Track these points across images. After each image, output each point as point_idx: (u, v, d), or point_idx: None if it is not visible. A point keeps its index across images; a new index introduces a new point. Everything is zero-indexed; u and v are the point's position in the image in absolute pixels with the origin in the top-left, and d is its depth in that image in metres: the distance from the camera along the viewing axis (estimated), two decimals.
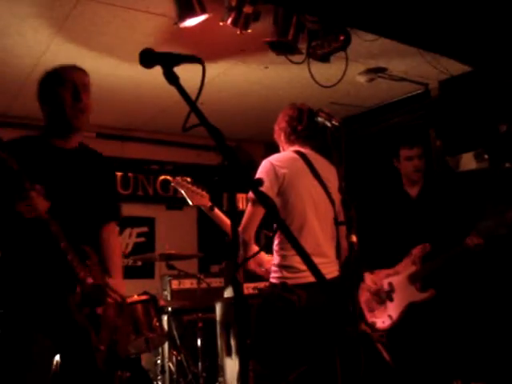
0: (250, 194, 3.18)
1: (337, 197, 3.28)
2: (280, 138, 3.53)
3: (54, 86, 2.75)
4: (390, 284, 4.12)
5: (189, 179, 3.63)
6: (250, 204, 3.21)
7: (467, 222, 3.98)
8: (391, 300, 4.09)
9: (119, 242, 3.10)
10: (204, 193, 3.59)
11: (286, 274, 3.18)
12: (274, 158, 3.32)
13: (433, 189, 4.24)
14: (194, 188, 3.59)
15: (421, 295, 3.99)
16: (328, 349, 3.10)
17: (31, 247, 2.56)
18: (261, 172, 3.26)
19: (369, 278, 4.18)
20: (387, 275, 4.16)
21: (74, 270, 2.53)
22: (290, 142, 3.46)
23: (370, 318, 4.14)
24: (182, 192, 3.59)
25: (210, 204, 3.55)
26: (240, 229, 3.20)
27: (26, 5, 3.71)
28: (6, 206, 2.44)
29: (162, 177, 7.11)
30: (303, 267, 3.03)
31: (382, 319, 4.09)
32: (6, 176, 2.39)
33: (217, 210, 3.56)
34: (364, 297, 4.20)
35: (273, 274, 3.25)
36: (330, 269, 3.22)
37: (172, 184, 3.68)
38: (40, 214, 2.42)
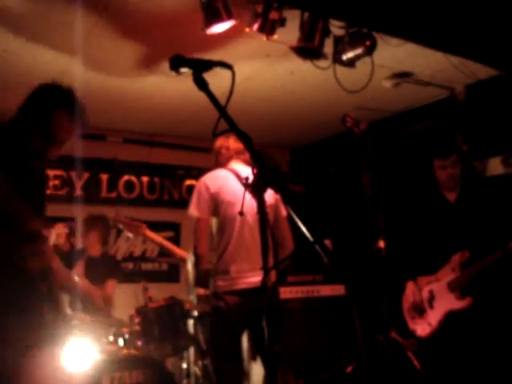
0: (190, 213, 3.61)
1: (271, 209, 3.59)
2: (221, 159, 3.86)
3: (36, 112, 2.43)
4: (431, 291, 4.08)
5: (124, 215, 4.08)
6: (196, 222, 3.60)
7: (506, 228, 3.91)
8: (431, 307, 4.05)
9: None
10: (139, 223, 4.12)
11: (221, 282, 3.56)
12: (206, 177, 3.70)
13: (472, 193, 4.16)
14: (131, 222, 4.10)
15: (459, 303, 3.90)
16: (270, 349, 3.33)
17: None
18: (195, 191, 3.64)
19: (410, 287, 4.18)
20: (428, 282, 4.12)
21: None
22: (228, 160, 3.81)
23: (411, 326, 4.13)
24: (121, 227, 4.15)
25: (146, 231, 4.10)
26: (195, 246, 3.57)
27: (56, 13, 3.78)
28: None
29: (188, 182, 7.15)
30: (238, 274, 3.51)
31: (423, 326, 4.05)
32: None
33: (153, 235, 4.14)
34: (406, 304, 4.20)
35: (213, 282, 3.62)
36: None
37: (111, 222, 4.25)
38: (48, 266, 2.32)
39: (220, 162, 3.85)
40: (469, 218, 4.02)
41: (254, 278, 3.41)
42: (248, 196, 3.51)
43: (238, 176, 3.63)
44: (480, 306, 3.88)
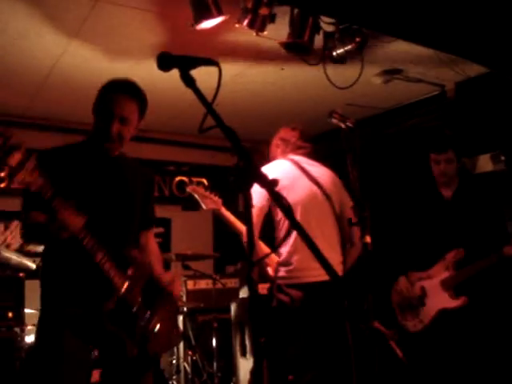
0: None
1: (335, 197, 3.38)
2: (275, 153, 3.77)
3: (99, 102, 2.76)
4: (422, 288, 4.06)
5: (203, 185, 3.83)
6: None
7: (501, 227, 3.91)
8: (423, 305, 4.03)
9: (158, 249, 3.18)
10: (216, 198, 3.83)
11: (283, 273, 3.34)
12: (265, 168, 3.50)
13: (468, 191, 4.14)
14: (207, 193, 3.86)
15: (453, 302, 3.89)
16: (328, 347, 3.19)
17: (69, 258, 2.60)
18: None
19: (402, 282, 4.16)
20: (420, 278, 4.09)
21: (112, 280, 2.58)
22: (285, 154, 3.70)
23: (401, 321, 4.11)
24: (197, 197, 3.87)
25: (221, 207, 3.79)
26: (244, 232, 3.29)
27: (43, 8, 3.76)
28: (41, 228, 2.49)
29: (178, 178, 7.15)
30: (302, 266, 3.25)
31: (414, 323, 4.04)
32: (34, 199, 2.40)
33: (227, 213, 3.78)
34: (396, 299, 4.18)
35: (275, 273, 3.40)
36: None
37: (188, 190, 3.96)
38: (73, 232, 2.42)
39: (276, 155, 3.76)
40: (464, 216, 3.99)
41: (320, 271, 3.24)
42: (310, 184, 3.47)
43: (298, 165, 3.54)
44: (472, 306, 3.87)
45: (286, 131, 3.74)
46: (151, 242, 3.11)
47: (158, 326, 2.80)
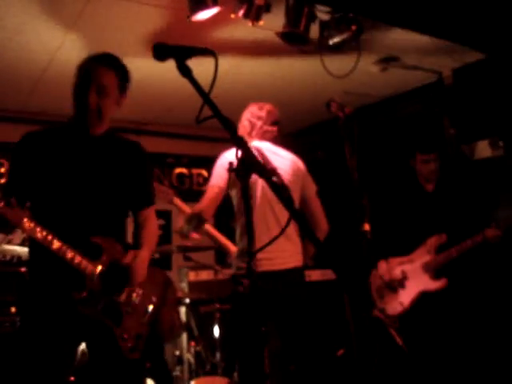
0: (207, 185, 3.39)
1: (295, 186, 3.41)
2: (241, 133, 3.63)
3: (76, 77, 2.68)
4: (403, 272, 4.16)
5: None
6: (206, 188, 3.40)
7: (483, 212, 3.97)
8: (403, 287, 4.12)
9: (155, 227, 3.11)
10: (166, 188, 3.84)
11: (239, 264, 3.34)
12: (227, 152, 3.45)
13: (449, 180, 4.25)
14: (159, 186, 3.81)
15: (434, 284, 4.01)
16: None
17: (38, 252, 2.56)
18: (215, 165, 3.42)
19: (382, 266, 4.23)
20: (400, 263, 4.20)
21: (79, 267, 2.51)
22: (251, 137, 3.57)
23: (379, 304, 4.18)
24: None
25: (174, 197, 3.77)
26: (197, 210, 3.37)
27: (39, 2, 3.75)
28: None
29: (178, 170, 7.16)
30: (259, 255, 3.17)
31: (393, 305, 4.13)
32: None
33: (181, 203, 3.78)
34: (376, 284, 4.24)
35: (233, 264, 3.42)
36: (286, 259, 3.31)
37: None
38: (18, 226, 2.37)
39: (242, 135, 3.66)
40: (446, 205, 4.12)
41: (278, 260, 3.24)
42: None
43: (260, 154, 3.41)
44: (453, 288, 3.96)
45: (253, 111, 3.59)
46: (149, 221, 3.03)
47: (151, 306, 2.80)
